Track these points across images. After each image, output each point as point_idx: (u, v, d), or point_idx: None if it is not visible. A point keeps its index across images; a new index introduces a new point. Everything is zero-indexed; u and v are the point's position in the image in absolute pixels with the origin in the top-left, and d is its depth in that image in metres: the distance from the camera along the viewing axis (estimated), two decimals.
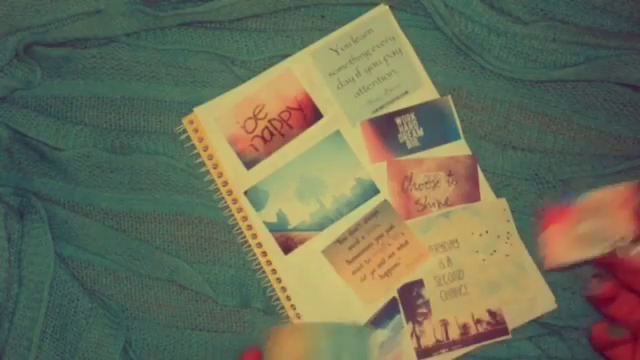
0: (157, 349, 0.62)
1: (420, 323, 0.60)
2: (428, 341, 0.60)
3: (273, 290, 0.61)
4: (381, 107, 0.60)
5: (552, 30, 0.57)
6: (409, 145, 0.60)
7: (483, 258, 0.60)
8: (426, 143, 0.60)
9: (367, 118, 0.60)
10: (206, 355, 0.62)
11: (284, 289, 0.60)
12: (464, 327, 0.60)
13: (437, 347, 0.60)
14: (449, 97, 0.60)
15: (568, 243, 0.55)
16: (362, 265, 0.60)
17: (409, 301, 0.60)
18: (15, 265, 0.58)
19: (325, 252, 0.60)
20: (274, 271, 0.60)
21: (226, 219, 0.61)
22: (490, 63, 0.59)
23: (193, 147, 0.60)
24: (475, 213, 0.60)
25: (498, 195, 0.60)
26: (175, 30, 0.60)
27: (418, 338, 0.60)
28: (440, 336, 0.60)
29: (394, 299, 0.60)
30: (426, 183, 0.60)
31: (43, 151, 0.60)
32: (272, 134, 0.60)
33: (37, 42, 0.58)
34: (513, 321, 0.60)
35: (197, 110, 0.60)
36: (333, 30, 0.60)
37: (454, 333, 0.60)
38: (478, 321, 0.60)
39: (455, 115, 0.60)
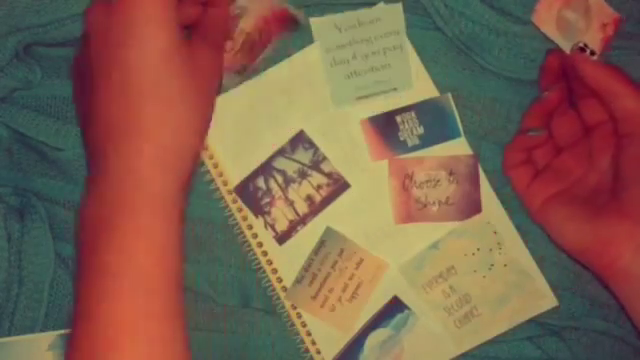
0: None
1: (269, 213, 0.60)
2: (282, 225, 0.60)
3: (273, 290, 0.61)
4: (366, 96, 0.59)
5: None
6: (410, 143, 0.60)
7: (483, 275, 0.60)
8: (427, 141, 0.60)
9: (349, 102, 0.59)
10: (206, 355, 0.61)
11: (285, 289, 0.60)
12: (308, 198, 0.60)
13: (292, 227, 0.60)
14: (449, 95, 0.59)
15: (553, 16, 0.56)
16: (327, 296, 0.60)
17: (249, 198, 0.60)
18: (15, 265, 0.58)
19: (288, 296, 0.60)
20: (275, 271, 0.60)
21: (226, 219, 0.61)
22: (490, 63, 0.59)
23: None
24: (461, 235, 0.60)
25: (498, 195, 0.60)
26: None
27: (272, 226, 0.60)
28: (291, 216, 0.60)
29: (395, 298, 0.60)
30: (427, 182, 0.60)
31: (43, 151, 0.60)
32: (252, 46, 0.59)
33: (37, 42, 0.58)
34: (514, 319, 0.60)
35: None
36: None
37: (302, 208, 0.60)
38: (319, 187, 0.60)
39: (455, 113, 0.60)
